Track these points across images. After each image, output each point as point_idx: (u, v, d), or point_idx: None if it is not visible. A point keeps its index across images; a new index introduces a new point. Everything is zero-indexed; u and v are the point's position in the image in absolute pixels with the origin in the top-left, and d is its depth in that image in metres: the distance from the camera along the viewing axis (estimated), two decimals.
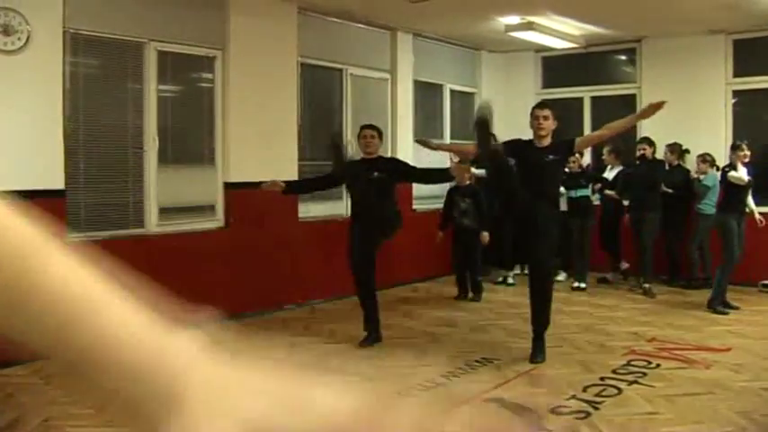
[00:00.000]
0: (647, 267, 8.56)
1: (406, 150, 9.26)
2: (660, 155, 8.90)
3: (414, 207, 9.25)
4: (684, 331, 6.71)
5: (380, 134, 6.55)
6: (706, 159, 8.60)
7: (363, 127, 6.55)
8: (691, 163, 8.89)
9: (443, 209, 8.36)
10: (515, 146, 5.81)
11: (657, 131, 8.99)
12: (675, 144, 8.97)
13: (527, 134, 5.91)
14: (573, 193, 8.83)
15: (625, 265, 9.25)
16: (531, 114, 5.81)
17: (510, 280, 9.17)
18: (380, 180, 6.19)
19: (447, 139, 10.06)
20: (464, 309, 7.85)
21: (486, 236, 8.08)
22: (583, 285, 8.79)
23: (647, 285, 8.48)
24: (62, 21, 5.84)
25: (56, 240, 0.49)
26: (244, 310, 7.11)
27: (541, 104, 6.02)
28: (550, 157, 5.67)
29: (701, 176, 8.60)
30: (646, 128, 9.40)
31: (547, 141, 5.75)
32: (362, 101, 8.78)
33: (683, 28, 8.86)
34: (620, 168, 9.09)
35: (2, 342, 0.48)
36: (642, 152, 8.62)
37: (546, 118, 5.70)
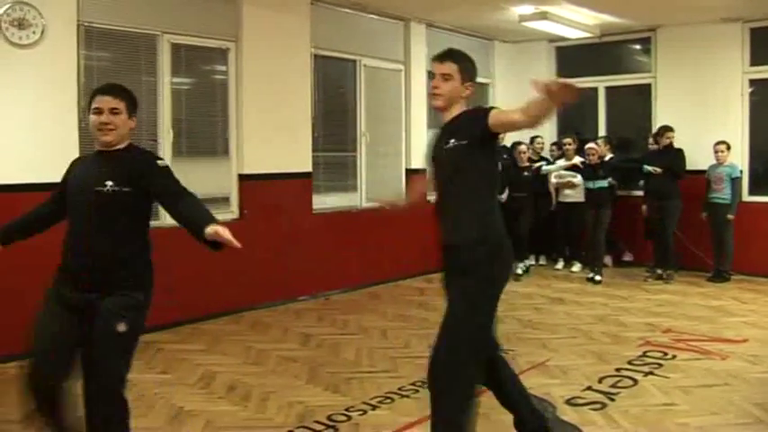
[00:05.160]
0: (669, 256, 8.59)
1: (420, 142, 9.25)
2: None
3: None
4: (700, 322, 6.68)
5: (132, 105, 3.28)
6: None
7: (101, 92, 3.25)
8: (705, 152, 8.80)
9: None
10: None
11: (673, 120, 8.91)
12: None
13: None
14: (591, 185, 8.77)
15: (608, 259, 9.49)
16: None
17: (519, 271, 9.14)
18: (118, 195, 3.16)
19: None
20: None
21: None
22: (598, 278, 8.73)
23: (668, 272, 8.56)
24: (76, 14, 5.86)
25: None
26: (258, 301, 7.15)
27: (439, 55, 3.54)
28: (451, 142, 3.35)
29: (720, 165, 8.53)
30: (662, 117, 9.33)
31: (450, 114, 3.48)
32: (376, 92, 8.77)
33: (698, 16, 8.77)
34: (611, 156, 9.04)
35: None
36: (669, 140, 8.57)
37: (447, 78, 3.44)
